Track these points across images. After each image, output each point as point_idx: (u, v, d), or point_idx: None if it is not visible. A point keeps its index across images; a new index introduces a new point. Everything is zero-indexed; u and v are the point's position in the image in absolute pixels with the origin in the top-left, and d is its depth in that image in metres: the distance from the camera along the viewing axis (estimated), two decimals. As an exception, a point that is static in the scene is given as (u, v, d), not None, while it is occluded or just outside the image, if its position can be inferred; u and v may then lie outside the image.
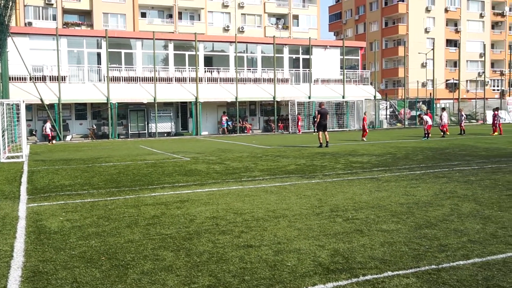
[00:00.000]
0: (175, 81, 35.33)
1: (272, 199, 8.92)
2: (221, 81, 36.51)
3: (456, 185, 10.13)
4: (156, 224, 7.11)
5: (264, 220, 7.21)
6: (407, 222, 6.94)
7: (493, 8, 77.22)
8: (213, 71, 36.82)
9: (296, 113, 35.31)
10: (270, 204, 8.41)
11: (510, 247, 5.69)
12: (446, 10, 73.01)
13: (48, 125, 28.83)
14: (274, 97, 36.12)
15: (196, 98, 33.99)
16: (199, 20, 59.82)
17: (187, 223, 7.15)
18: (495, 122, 28.20)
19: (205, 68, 36.57)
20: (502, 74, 75.30)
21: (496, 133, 28.06)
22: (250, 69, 38.37)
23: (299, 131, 34.95)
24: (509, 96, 55.10)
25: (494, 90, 75.96)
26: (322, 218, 7.27)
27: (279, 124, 37.32)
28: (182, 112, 36.46)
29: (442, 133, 26.66)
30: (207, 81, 36.15)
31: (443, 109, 28.04)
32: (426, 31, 71.41)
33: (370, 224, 6.85)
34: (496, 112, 28.78)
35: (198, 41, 35.48)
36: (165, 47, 36.23)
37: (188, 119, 36.06)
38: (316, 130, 21.79)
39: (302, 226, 6.80)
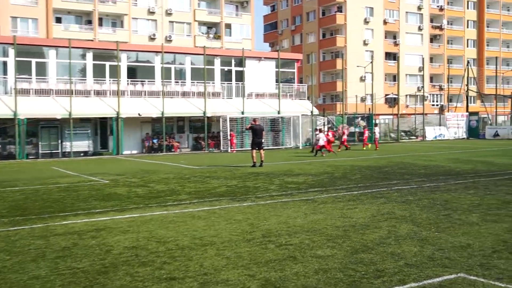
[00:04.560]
0: (94, 94, 34.51)
1: (200, 225, 8.88)
2: (145, 95, 36.03)
3: (394, 205, 10.51)
4: (66, 256, 6.86)
5: (189, 249, 7.15)
6: (343, 247, 7.10)
7: (431, 21, 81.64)
8: (137, 83, 36.30)
9: (229, 130, 35.44)
10: (197, 231, 8.36)
11: (447, 270, 5.95)
12: (385, 22, 76.36)
13: None
14: (204, 113, 36.09)
15: (118, 114, 33.33)
16: (122, 27, 59.01)
17: (102, 254, 6.95)
18: (369, 136, 33.72)
19: (128, 80, 36.00)
20: (441, 88, 79.46)
21: (365, 148, 32.85)
22: (178, 82, 38.14)
23: (234, 150, 35.05)
24: (448, 111, 58.07)
25: (433, 105, 79.89)
26: (253, 245, 7.30)
27: (210, 142, 37.27)
28: (102, 129, 35.59)
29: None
30: (130, 94, 35.58)
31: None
32: (365, 43, 74.25)
33: (304, 250, 6.95)
34: (365, 129, 34.48)
35: (120, 50, 34.91)
36: (83, 56, 35.38)
37: (108, 137, 35.24)
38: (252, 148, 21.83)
39: (231, 254, 6.79)
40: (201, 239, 7.75)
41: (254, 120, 22.60)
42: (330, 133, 29.99)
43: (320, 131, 29.93)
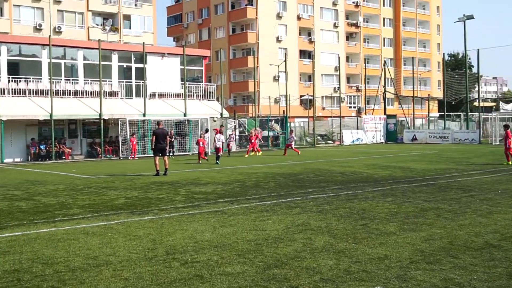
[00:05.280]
0: (-32, 93, 32.80)
1: (94, 242, 8.67)
2: (30, 94, 34.65)
3: (310, 215, 10.78)
4: None
5: (82, 270, 6.96)
6: (254, 262, 7.18)
7: (347, 18, 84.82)
8: (20, 81, 34.82)
9: (128, 134, 34.81)
10: (91, 250, 8.16)
11: (364, 283, 6.18)
12: (299, 18, 78.36)
13: None
14: (100, 115, 35.24)
15: (-3, 116, 31.83)
16: (2, 15, 56.41)
17: (-23, 280, 6.59)
18: (289, 143, 35.23)
19: (9, 77, 34.46)
20: (358, 90, 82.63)
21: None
22: (69, 80, 37.01)
23: (135, 156, 34.43)
24: (366, 114, 60.52)
25: (350, 107, 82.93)
26: (155, 263, 7.23)
27: (107, 148, 36.42)
28: (-22, 133, 33.83)
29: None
30: (12, 93, 34.08)
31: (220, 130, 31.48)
32: (278, 40, 75.76)
33: (212, 267, 6.96)
34: (290, 133, 36.91)
35: (0, 42, 33.46)
36: (-46, 48, 33.51)
37: (-14, 143, 33.58)
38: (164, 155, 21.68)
39: (130, 275, 6.68)
40: (96, 259, 7.56)
41: (158, 123, 22.41)
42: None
43: (220, 132, 30.91)
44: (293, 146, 35.10)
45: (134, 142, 34.61)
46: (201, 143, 28.55)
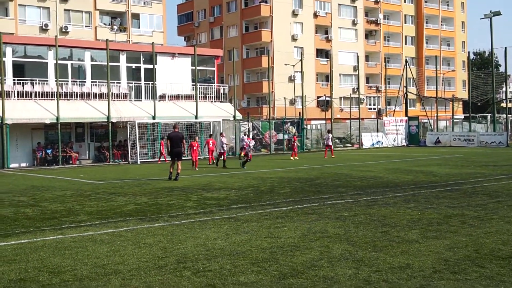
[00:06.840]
0: (-28, 95, 33.12)
1: (102, 250, 8.72)
2: (36, 97, 34.93)
3: (327, 222, 10.76)
4: None
5: (90, 280, 7.01)
6: (269, 271, 7.18)
7: (366, 15, 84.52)
8: (26, 83, 35.12)
9: (138, 137, 34.95)
10: (99, 258, 8.21)
11: (384, 294, 6.16)
12: (316, 15, 78.24)
13: None
14: (108, 118, 35.45)
15: (2, 119, 32.12)
16: (7, 15, 56.88)
17: (-18, 290, 6.67)
18: (328, 144, 35.96)
19: (14, 79, 34.76)
20: (378, 90, 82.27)
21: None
22: (76, 82, 37.26)
23: (165, 159, 34.54)
24: (386, 116, 60.28)
25: (370, 109, 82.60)
26: (166, 272, 7.25)
27: (115, 152, 36.62)
28: (-18, 137, 34.14)
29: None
30: (18, 96, 34.38)
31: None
32: (294, 39, 75.69)
33: (225, 277, 6.98)
34: (329, 135, 36.92)
35: (4, 43, 33.69)
36: (-43, 50, 33.86)
37: (-9, 147, 33.88)
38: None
39: (139, 284, 6.72)
40: (104, 268, 7.60)
41: (174, 126, 22.68)
42: (210, 141, 31.81)
43: (245, 134, 32.76)
44: (330, 144, 36.12)
45: (160, 146, 35.27)
46: (210, 143, 30.76)
